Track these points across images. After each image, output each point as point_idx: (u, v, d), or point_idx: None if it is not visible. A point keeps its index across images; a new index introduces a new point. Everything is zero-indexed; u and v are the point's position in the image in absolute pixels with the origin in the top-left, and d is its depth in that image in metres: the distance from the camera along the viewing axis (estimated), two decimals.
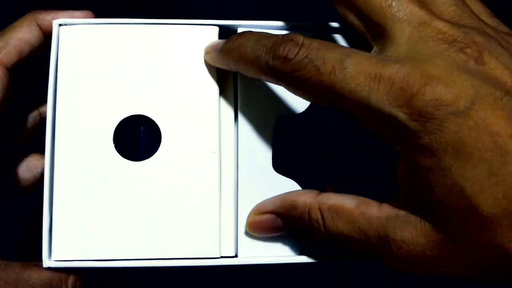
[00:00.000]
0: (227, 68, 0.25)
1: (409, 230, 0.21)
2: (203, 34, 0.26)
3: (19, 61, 0.26)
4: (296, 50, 0.21)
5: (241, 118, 0.26)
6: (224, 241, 0.25)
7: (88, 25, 0.26)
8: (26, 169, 0.29)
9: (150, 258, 0.25)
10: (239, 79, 0.26)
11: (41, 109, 0.29)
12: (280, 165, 0.26)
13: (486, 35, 0.22)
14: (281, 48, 0.22)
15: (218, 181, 0.25)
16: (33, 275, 0.24)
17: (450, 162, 0.19)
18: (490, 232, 0.19)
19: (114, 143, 0.25)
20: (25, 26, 0.26)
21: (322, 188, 0.25)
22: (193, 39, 0.26)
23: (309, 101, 0.24)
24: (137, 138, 0.27)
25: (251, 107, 0.26)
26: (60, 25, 0.26)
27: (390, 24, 0.22)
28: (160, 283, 0.35)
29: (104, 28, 0.26)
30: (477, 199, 0.19)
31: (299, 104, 0.26)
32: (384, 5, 0.22)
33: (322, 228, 0.23)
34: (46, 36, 0.26)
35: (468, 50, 0.21)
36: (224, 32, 0.26)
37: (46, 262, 0.24)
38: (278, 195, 0.25)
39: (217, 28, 0.26)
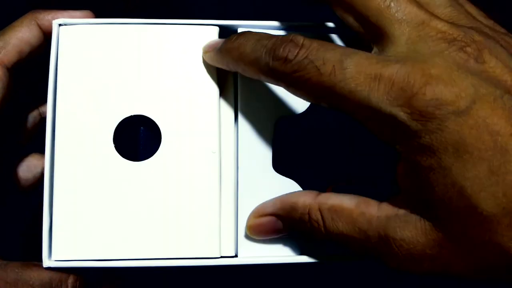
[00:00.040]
0: (227, 68, 0.25)
1: (409, 229, 0.21)
2: (203, 34, 0.26)
3: (19, 61, 0.26)
4: (296, 51, 0.21)
5: (241, 118, 0.26)
6: (224, 241, 0.25)
7: (88, 25, 0.26)
8: (26, 169, 0.29)
9: (150, 258, 0.25)
10: (239, 79, 0.26)
11: (41, 109, 0.29)
12: (280, 165, 0.26)
13: (485, 35, 0.22)
14: (281, 49, 0.22)
15: (218, 181, 0.25)
16: (33, 275, 0.24)
17: (451, 161, 0.19)
18: (490, 231, 0.19)
19: (114, 143, 0.25)
20: (25, 26, 0.26)
21: (322, 188, 0.25)
22: (193, 39, 0.26)
23: (309, 102, 0.24)
24: (137, 138, 0.27)
25: (251, 107, 0.26)
26: (60, 25, 0.26)
27: (389, 25, 0.22)
28: (161, 283, 0.35)
29: (104, 28, 0.26)
30: (477, 198, 0.19)
31: (299, 104, 0.26)
32: (382, 6, 0.22)
33: (322, 229, 0.23)
34: (46, 36, 0.26)
35: (468, 49, 0.21)
36: (224, 32, 0.26)
37: (46, 262, 0.24)
38: (278, 197, 0.25)
39: (217, 28, 0.26)
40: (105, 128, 0.25)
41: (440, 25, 0.21)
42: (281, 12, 0.33)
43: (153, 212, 0.25)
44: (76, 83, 0.25)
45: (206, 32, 0.26)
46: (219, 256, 0.25)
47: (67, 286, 0.25)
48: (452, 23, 0.22)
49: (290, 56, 0.21)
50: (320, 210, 0.23)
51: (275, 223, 0.25)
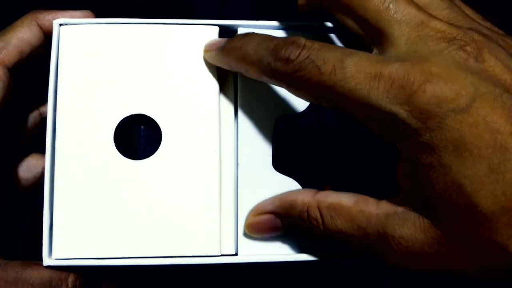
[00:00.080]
0: (229, 68, 0.25)
1: (407, 226, 0.21)
2: (203, 34, 0.26)
3: (19, 61, 0.26)
4: (298, 52, 0.21)
5: (241, 117, 0.26)
6: (224, 239, 0.25)
7: (88, 25, 0.26)
8: (26, 169, 0.29)
9: (151, 256, 0.25)
10: (239, 78, 0.26)
11: (41, 109, 0.29)
12: (280, 164, 0.26)
13: (484, 35, 0.22)
14: (283, 50, 0.22)
15: (218, 179, 0.25)
16: (33, 274, 0.24)
17: (451, 159, 0.20)
18: (489, 230, 0.19)
19: (114, 142, 0.25)
20: (26, 26, 0.26)
21: (321, 187, 0.25)
22: (193, 39, 0.26)
23: (310, 101, 0.24)
24: (137, 137, 0.27)
25: (251, 106, 0.26)
26: (60, 25, 0.26)
27: (388, 26, 0.22)
28: (161, 281, 0.35)
29: (104, 28, 0.26)
30: (476, 196, 0.19)
31: (299, 103, 0.26)
32: (381, 7, 0.22)
33: (321, 226, 0.23)
34: (47, 36, 0.26)
35: (468, 48, 0.21)
36: (224, 32, 0.26)
37: (46, 261, 0.24)
38: (277, 195, 0.25)
39: (217, 28, 0.26)
40: (105, 127, 0.25)
41: (440, 25, 0.21)
42: (281, 12, 0.33)
43: (153, 210, 0.25)
44: (76, 82, 0.25)
45: (206, 32, 0.26)
46: (219, 254, 0.25)
47: (67, 285, 0.25)
48: (451, 23, 0.22)
49: (292, 57, 0.21)
50: (319, 207, 0.23)
51: (274, 221, 0.25)
